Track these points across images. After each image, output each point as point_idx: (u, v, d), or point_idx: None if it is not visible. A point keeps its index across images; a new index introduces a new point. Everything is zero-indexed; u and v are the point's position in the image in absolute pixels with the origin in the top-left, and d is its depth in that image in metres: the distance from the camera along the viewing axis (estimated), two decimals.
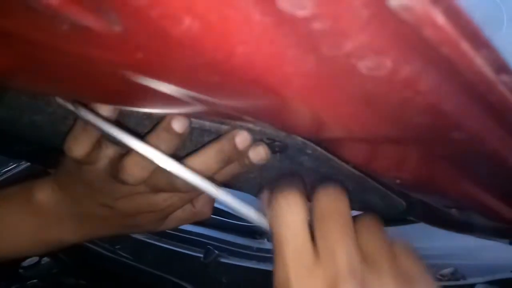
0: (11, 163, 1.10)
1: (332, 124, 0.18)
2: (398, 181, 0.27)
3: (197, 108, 0.23)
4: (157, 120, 0.32)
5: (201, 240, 0.92)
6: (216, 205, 0.43)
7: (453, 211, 0.35)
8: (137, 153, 0.31)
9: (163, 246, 0.95)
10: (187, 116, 0.30)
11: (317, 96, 0.16)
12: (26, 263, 1.02)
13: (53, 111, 0.34)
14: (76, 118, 0.32)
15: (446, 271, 0.63)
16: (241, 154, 0.31)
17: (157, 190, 0.34)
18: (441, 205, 0.35)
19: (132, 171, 0.31)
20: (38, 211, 0.38)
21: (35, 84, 0.29)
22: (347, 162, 0.33)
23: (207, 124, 0.32)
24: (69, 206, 0.38)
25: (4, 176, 1.07)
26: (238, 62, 0.15)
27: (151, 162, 0.28)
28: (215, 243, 0.89)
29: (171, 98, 0.20)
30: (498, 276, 0.59)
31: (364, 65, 0.14)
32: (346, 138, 0.21)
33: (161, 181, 0.32)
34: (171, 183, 0.32)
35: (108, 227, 0.39)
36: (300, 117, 0.19)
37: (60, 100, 0.30)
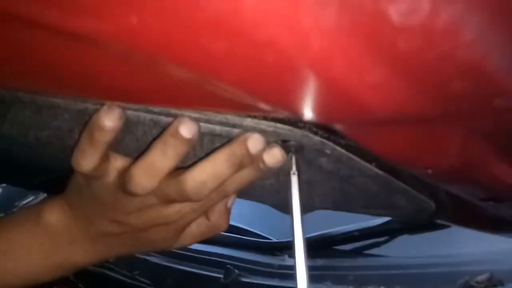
0: (29, 195, 1.11)
1: (356, 99, 0.16)
2: (430, 171, 0.25)
3: (207, 99, 0.21)
4: (165, 128, 0.30)
5: (220, 260, 0.90)
6: (232, 223, 0.41)
7: (490, 204, 0.32)
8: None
9: (182, 269, 0.94)
10: (196, 119, 0.29)
11: (338, 60, 0.14)
12: None
13: (58, 125, 0.33)
14: (81, 131, 0.31)
15: (482, 277, 0.60)
16: (255, 158, 0.29)
17: (168, 200, 0.33)
18: (476, 198, 0.32)
19: (140, 180, 0.30)
20: (49, 233, 0.38)
21: (40, 81, 0.27)
22: (370, 162, 0.31)
23: (218, 128, 0.30)
24: (81, 225, 0.37)
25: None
26: (245, 19, 0.13)
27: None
28: (235, 263, 0.87)
29: (176, 86, 0.18)
30: None
31: (396, 10, 0.11)
32: (371, 120, 0.19)
33: (170, 189, 0.31)
34: (181, 191, 0.30)
35: (121, 245, 0.38)
36: (320, 93, 0.16)
37: None
